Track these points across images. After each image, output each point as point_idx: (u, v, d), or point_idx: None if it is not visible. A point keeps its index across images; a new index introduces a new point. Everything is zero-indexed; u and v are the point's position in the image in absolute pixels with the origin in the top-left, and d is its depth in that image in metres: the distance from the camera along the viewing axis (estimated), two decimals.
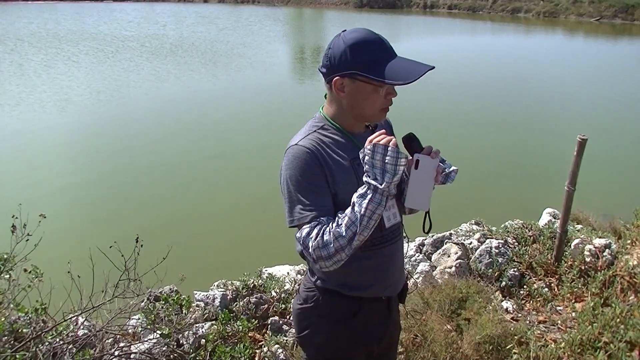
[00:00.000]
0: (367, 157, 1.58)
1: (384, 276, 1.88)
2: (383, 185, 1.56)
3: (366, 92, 1.66)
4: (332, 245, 1.59)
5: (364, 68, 1.61)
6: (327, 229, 1.61)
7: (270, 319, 3.63)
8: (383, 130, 1.64)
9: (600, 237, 4.44)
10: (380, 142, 1.58)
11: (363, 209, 1.57)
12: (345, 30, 1.68)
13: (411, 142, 1.72)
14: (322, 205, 1.67)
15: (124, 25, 30.30)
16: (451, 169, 1.86)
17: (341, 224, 1.59)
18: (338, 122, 1.75)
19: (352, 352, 1.92)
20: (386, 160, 1.56)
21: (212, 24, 32.25)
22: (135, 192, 7.96)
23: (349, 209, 1.61)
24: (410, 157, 1.67)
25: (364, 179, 1.60)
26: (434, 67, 1.60)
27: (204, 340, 3.26)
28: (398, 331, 2.20)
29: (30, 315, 2.85)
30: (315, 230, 1.62)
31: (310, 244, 1.61)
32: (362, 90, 1.66)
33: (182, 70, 17.60)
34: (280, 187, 1.73)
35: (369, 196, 1.57)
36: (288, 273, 4.24)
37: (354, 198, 1.60)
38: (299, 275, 4.21)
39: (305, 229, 1.64)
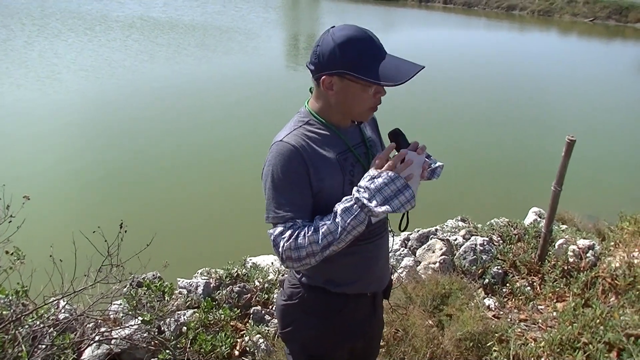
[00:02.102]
0: (379, 181, 1.54)
1: (369, 272, 1.87)
2: (377, 211, 1.53)
3: (355, 91, 1.63)
4: (304, 249, 1.58)
5: (353, 67, 1.58)
6: (303, 232, 1.59)
7: (253, 308, 3.64)
8: (403, 153, 1.60)
9: (584, 238, 4.47)
10: (401, 174, 1.56)
11: (345, 224, 1.55)
12: (334, 26, 1.64)
13: (397, 138, 1.71)
14: (299, 206, 1.65)
15: (113, 7, 29.88)
16: (437, 165, 1.86)
17: (318, 231, 1.58)
18: (324, 117, 1.73)
19: (336, 348, 1.92)
20: (398, 197, 1.54)
21: (202, 8, 31.90)
22: (121, 177, 7.89)
23: (330, 218, 1.59)
24: (397, 153, 1.66)
25: (355, 194, 1.57)
26: (424, 67, 1.58)
27: (185, 328, 3.26)
28: (381, 327, 2.21)
29: (10, 298, 2.83)
30: (289, 232, 1.60)
31: (281, 243, 1.60)
32: (351, 90, 1.63)
33: (172, 53, 17.42)
34: (262, 182, 1.71)
35: (355, 213, 1.55)
36: (272, 263, 4.23)
37: (338, 209, 1.58)
38: (282, 266, 4.21)
39: (279, 228, 1.63)
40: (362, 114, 1.72)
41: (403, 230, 1.86)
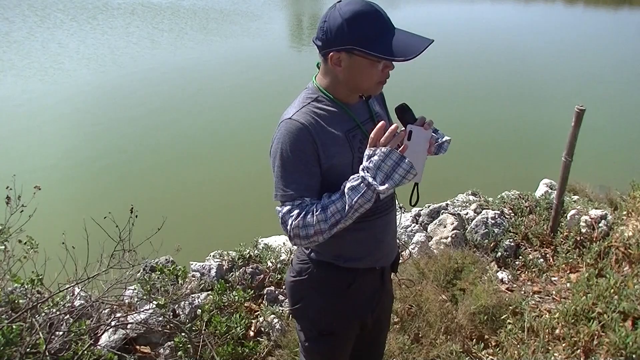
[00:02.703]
0: (375, 158, 1.54)
1: (378, 247, 1.87)
2: (381, 189, 1.53)
3: (363, 67, 1.61)
4: (312, 227, 1.59)
5: (362, 43, 1.55)
6: (312, 210, 1.60)
7: (266, 289, 3.65)
8: (394, 127, 1.57)
9: (596, 208, 4.44)
10: (394, 147, 1.55)
11: (353, 202, 1.56)
12: (340, 1, 1.61)
13: (404, 113, 1.70)
14: (307, 185, 1.65)
15: None
16: (444, 139, 1.84)
17: (326, 210, 1.59)
18: (332, 93, 1.71)
19: (346, 323, 1.93)
20: (397, 170, 1.53)
21: None
22: (131, 163, 7.92)
23: (337, 195, 1.60)
24: (403, 128, 1.64)
25: (361, 173, 1.57)
26: (433, 41, 1.55)
27: (200, 311, 3.28)
28: (391, 301, 2.21)
29: (26, 287, 2.86)
30: (297, 210, 1.61)
31: (289, 222, 1.61)
32: (360, 65, 1.60)
33: (176, 39, 17.35)
34: (270, 159, 1.71)
35: (362, 191, 1.55)
36: (284, 243, 4.24)
37: (345, 188, 1.58)
38: (294, 246, 4.21)
39: (287, 206, 1.64)
40: (371, 89, 1.70)
41: (414, 205, 1.85)
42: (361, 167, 1.58)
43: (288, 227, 1.62)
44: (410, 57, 1.52)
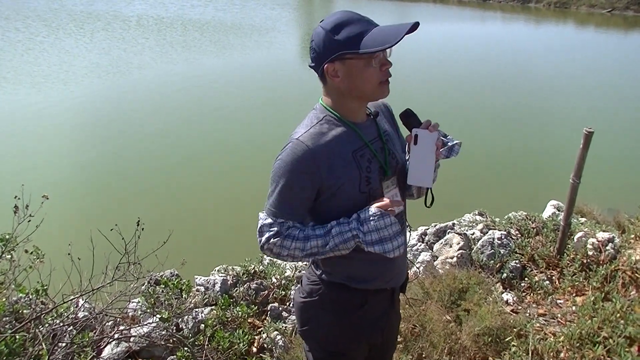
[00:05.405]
0: (382, 221, 1.64)
1: (389, 268, 1.86)
2: (367, 249, 1.65)
3: (359, 69, 1.62)
4: (287, 250, 1.69)
5: (349, 45, 1.58)
6: (293, 235, 1.69)
7: (270, 305, 3.64)
8: (415, 133, 1.68)
9: (603, 231, 4.41)
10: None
11: (335, 245, 1.67)
12: (322, 20, 1.66)
13: (409, 118, 1.73)
14: (295, 208, 1.71)
15: (122, 6, 30.06)
16: (454, 142, 1.85)
17: (307, 241, 1.68)
18: (339, 112, 1.72)
19: (355, 343, 1.92)
20: (392, 240, 1.65)
21: (214, 6, 31.97)
22: (138, 175, 7.95)
23: (321, 232, 1.69)
24: (409, 133, 1.67)
25: (353, 223, 1.66)
26: (418, 23, 1.56)
27: (203, 325, 3.28)
28: (399, 321, 2.20)
29: (30, 297, 2.87)
30: (277, 228, 1.70)
31: (267, 235, 1.71)
32: (355, 68, 1.62)
33: (187, 51, 17.50)
34: (271, 172, 1.74)
35: (347, 238, 1.66)
36: None
37: (334, 230, 1.68)
38: (299, 262, 4.21)
39: (270, 220, 1.72)
40: (376, 92, 1.69)
41: (430, 205, 1.89)
42: (357, 218, 1.67)
43: (263, 239, 1.71)
44: (395, 42, 1.54)
